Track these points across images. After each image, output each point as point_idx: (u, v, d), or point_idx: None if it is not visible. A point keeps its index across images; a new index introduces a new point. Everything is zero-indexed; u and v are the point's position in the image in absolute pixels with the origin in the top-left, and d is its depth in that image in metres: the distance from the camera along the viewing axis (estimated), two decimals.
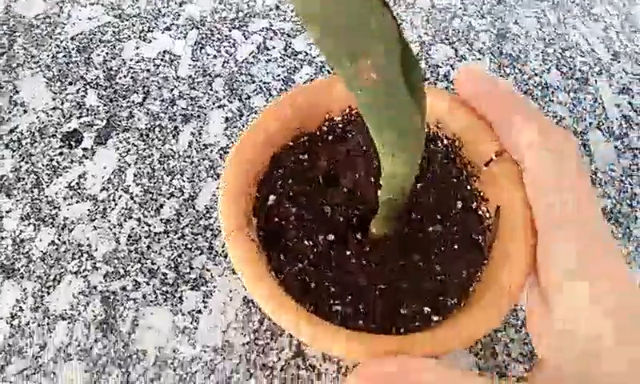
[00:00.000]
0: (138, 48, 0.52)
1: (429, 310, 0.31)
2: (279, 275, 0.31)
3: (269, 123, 0.34)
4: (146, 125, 0.47)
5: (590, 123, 0.50)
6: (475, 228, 0.34)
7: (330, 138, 0.36)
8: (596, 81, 0.53)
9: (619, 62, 0.55)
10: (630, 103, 0.52)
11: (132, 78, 0.50)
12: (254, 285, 0.29)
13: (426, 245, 0.34)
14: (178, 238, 0.42)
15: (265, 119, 0.35)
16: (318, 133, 0.36)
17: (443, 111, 0.35)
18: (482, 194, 0.34)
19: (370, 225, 0.34)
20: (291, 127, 0.35)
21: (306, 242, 0.33)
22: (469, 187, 0.35)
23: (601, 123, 0.50)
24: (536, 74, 0.52)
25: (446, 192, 0.35)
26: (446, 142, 0.36)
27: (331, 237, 0.33)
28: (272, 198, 0.34)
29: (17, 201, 0.44)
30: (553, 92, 0.51)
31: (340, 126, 0.36)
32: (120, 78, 0.50)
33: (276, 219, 0.33)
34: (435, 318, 0.31)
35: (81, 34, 0.53)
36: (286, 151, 0.35)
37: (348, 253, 0.33)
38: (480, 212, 0.34)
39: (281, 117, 0.35)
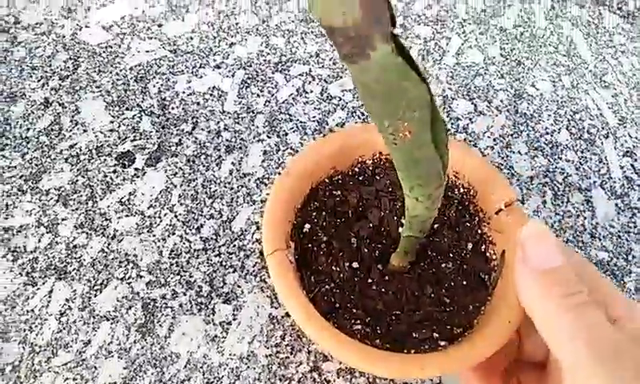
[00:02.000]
0: (189, 82, 0.54)
1: (437, 335, 0.33)
2: (309, 294, 0.33)
3: (309, 160, 0.37)
4: (193, 152, 0.50)
5: (595, 182, 0.52)
6: (482, 268, 0.36)
7: (361, 178, 0.39)
8: (602, 143, 0.55)
9: (625, 127, 0.57)
10: (632, 165, 0.54)
11: (183, 109, 0.53)
12: (287, 298, 0.31)
13: (439, 279, 0.36)
14: (215, 256, 0.45)
15: (306, 156, 0.37)
16: (350, 172, 0.39)
17: (461, 163, 0.37)
18: (490, 238, 0.37)
19: (391, 257, 0.36)
20: (328, 166, 0.38)
21: (334, 268, 0.35)
22: (479, 231, 0.37)
23: (604, 182, 0.52)
24: (547, 133, 0.54)
25: (459, 234, 0.37)
26: (462, 190, 0.38)
27: (356, 265, 0.36)
28: (307, 226, 0.36)
29: (72, 210, 0.46)
30: (562, 150, 0.53)
31: (370, 168, 0.39)
32: (172, 108, 0.53)
33: (309, 245, 0.36)
34: (442, 343, 0.33)
35: (139, 65, 0.56)
36: (322, 186, 0.38)
37: (370, 280, 0.36)
38: (488, 254, 0.37)
39: (320, 156, 0.37)
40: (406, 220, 0.32)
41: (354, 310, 0.34)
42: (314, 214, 0.37)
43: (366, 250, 0.36)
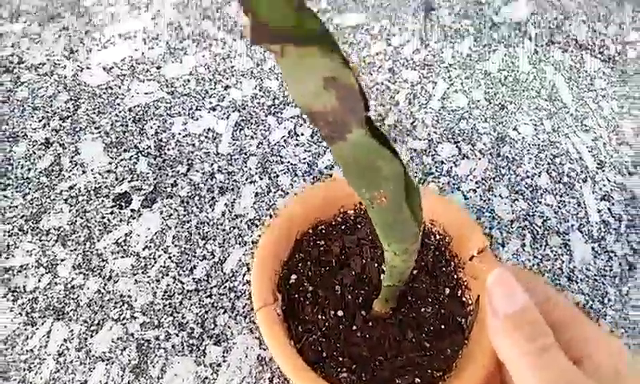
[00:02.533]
0: (185, 124, 0.56)
1: (419, 380, 0.35)
2: (297, 344, 0.35)
3: (294, 213, 0.39)
4: (188, 193, 0.51)
5: (573, 225, 0.54)
6: (459, 312, 0.38)
7: (344, 227, 0.40)
8: (581, 186, 0.57)
9: (604, 170, 0.58)
10: (609, 209, 0.55)
11: (179, 150, 0.54)
12: (276, 351, 0.33)
13: (419, 324, 0.38)
14: (207, 297, 0.46)
15: (291, 209, 0.39)
16: (333, 222, 0.40)
17: (436, 211, 0.39)
18: (466, 283, 0.39)
19: (374, 304, 0.38)
20: (311, 217, 0.40)
21: (319, 316, 0.37)
22: (455, 277, 0.39)
23: (582, 226, 0.54)
24: (528, 177, 0.56)
25: (436, 279, 0.39)
26: (438, 237, 0.40)
27: (340, 313, 0.37)
28: (293, 277, 0.38)
29: (71, 251, 0.48)
30: (542, 194, 0.55)
31: (352, 217, 0.41)
32: (168, 149, 0.54)
33: (296, 295, 0.37)
34: None
35: (137, 106, 0.57)
36: (306, 237, 0.39)
37: (354, 328, 0.37)
38: (464, 299, 0.38)
39: (304, 208, 0.39)
40: (385, 271, 0.34)
41: (340, 358, 0.36)
42: (300, 264, 0.38)
43: (349, 298, 0.38)
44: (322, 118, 0.23)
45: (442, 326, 0.38)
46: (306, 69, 0.20)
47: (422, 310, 0.39)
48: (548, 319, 0.28)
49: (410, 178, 0.26)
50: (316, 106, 0.22)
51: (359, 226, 0.41)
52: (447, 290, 0.39)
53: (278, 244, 0.38)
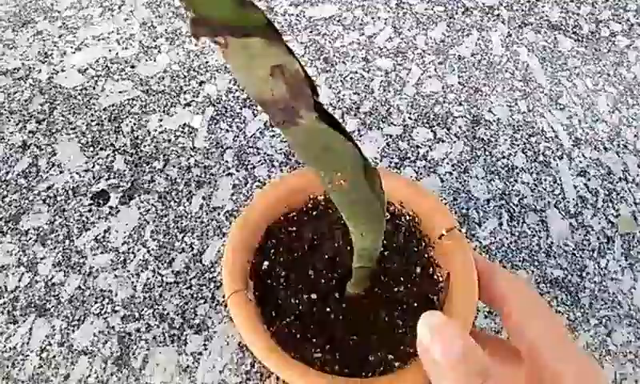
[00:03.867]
0: (161, 120, 0.57)
1: (392, 357, 0.36)
2: (271, 328, 0.36)
3: (265, 202, 0.40)
4: (165, 188, 0.53)
5: (549, 202, 0.55)
6: (431, 290, 0.39)
7: (314, 213, 0.42)
8: (557, 164, 0.58)
9: (579, 147, 0.60)
10: (585, 185, 0.57)
11: (155, 146, 0.55)
12: (248, 335, 0.34)
13: (392, 303, 0.39)
14: (186, 288, 0.47)
15: (261, 198, 0.40)
16: (304, 209, 0.42)
17: (406, 194, 0.41)
18: (436, 261, 0.40)
19: (347, 286, 0.39)
20: (282, 205, 0.41)
21: (292, 300, 0.38)
22: (426, 256, 0.40)
23: (558, 202, 0.55)
24: (504, 157, 0.58)
25: (408, 259, 0.40)
26: (408, 218, 0.41)
27: (314, 296, 0.39)
28: (265, 264, 0.39)
29: (50, 250, 0.49)
30: (517, 173, 0.57)
31: (322, 204, 0.42)
32: (144, 146, 0.55)
33: (268, 281, 0.38)
34: (397, 364, 0.36)
35: (112, 105, 0.58)
36: (277, 225, 0.41)
37: (327, 309, 0.38)
38: (435, 277, 0.40)
39: (274, 197, 0.40)
40: (355, 253, 0.35)
41: (314, 340, 0.37)
42: (272, 251, 0.40)
43: (322, 281, 0.39)
44: (273, 106, 0.24)
45: (415, 304, 0.39)
46: (251, 59, 0.21)
47: (395, 289, 0.40)
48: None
49: (368, 160, 0.27)
50: (265, 94, 0.23)
51: (330, 211, 0.42)
52: (418, 269, 0.40)
53: (249, 233, 0.39)
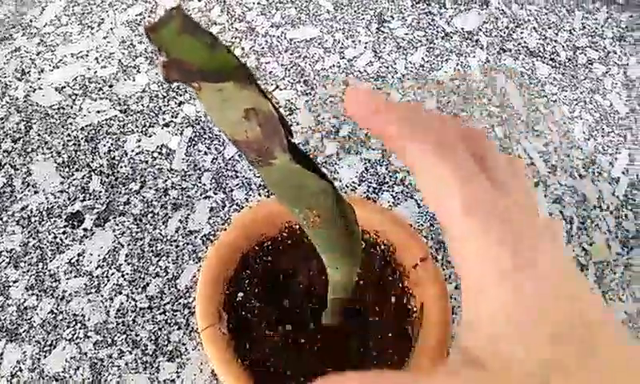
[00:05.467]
0: (139, 141, 0.57)
1: None
2: (244, 361, 0.36)
3: (238, 231, 0.40)
4: (141, 210, 0.53)
5: None
6: (405, 320, 0.40)
7: (290, 242, 0.42)
8: (533, 191, 0.59)
9: (555, 174, 0.61)
10: (560, 212, 0.58)
11: (132, 167, 0.55)
12: (221, 371, 0.34)
13: (366, 333, 0.39)
14: (160, 314, 0.47)
15: (235, 227, 0.40)
16: (279, 238, 0.42)
17: (381, 223, 0.41)
18: (410, 291, 0.40)
19: (322, 317, 0.39)
20: (257, 233, 0.41)
21: (267, 332, 0.38)
22: (400, 285, 0.41)
23: None
24: None
25: (383, 288, 0.41)
26: (383, 247, 0.42)
27: (289, 327, 0.39)
28: (240, 295, 0.39)
29: (23, 272, 0.49)
30: None
31: (298, 231, 0.42)
32: (121, 167, 0.55)
33: (243, 313, 0.39)
34: None
35: (90, 125, 0.58)
36: (252, 254, 0.41)
37: (302, 341, 0.39)
38: (409, 306, 0.40)
39: (248, 225, 0.41)
40: (329, 286, 0.35)
41: (288, 372, 0.37)
42: (247, 281, 0.40)
43: (297, 311, 0.39)
44: (247, 146, 0.24)
45: (389, 334, 0.39)
46: (224, 102, 0.22)
47: (370, 319, 0.40)
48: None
49: (341, 195, 0.28)
50: (239, 135, 0.23)
51: (305, 240, 0.42)
52: (393, 299, 0.41)
53: (223, 263, 0.39)
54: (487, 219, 0.23)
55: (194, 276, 0.49)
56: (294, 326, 0.39)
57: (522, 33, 0.73)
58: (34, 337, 0.46)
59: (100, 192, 0.54)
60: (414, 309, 0.40)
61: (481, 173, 0.24)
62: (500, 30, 0.73)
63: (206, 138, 0.58)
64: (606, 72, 0.71)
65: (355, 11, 0.71)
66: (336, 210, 0.28)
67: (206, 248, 0.51)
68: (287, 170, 0.24)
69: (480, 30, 0.72)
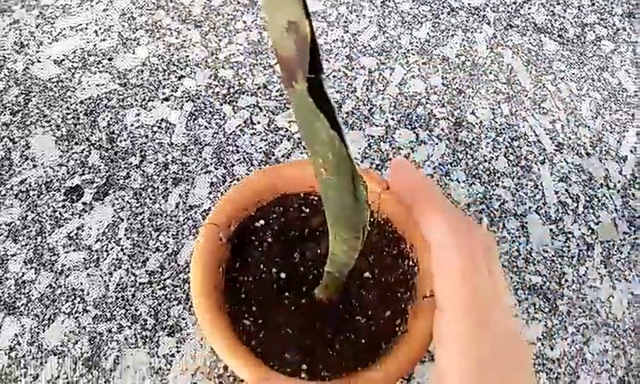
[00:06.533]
0: (138, 115, 0.57)
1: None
2: (226, 275, 0.36)
3: (292, 170, 0.40)
4: (140, 185, 0.52)
5: (530, 207, 0.55)
6: (388, 338, 0.38)
7: (308, 210, 0.41)
8: (539, 169, 0.58)
9: (562, 152, 0.60)
10: (567, 190, 0.57)
11: (131, 142, 0.55)
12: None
13: (346, 329, 0.38)
14: (160, 289, 0.47)
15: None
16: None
17: (418, 242, 0.39)
18: (407, 317, 0.38)
19: (316, 289, 0.39)
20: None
21: (261, 266, 0.38)
22: (402, 306, 0.38)
23: (539, 208, 0.55)
24: (485, 160, 0.58)
25: (385, 300, 0.39)
26: (410, 263, 0.40)
27: (283, 275, 0.38)
28: (261, 222, 0.39)
29: (22, 246, 0.48)
30: (499, 177, 0.57)
31: (317, 199, 0.41)
32: (121, 141, 0.55)
33: (252, 238, 0.38)
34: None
35: (89, 98, 0.58)
36: (293, 196, 0.40)
37: (286, 294, 0.38)
38: (397, 329, 0.38)
39: (302, 171, 0.40)
40: (328, 256, 0.35)
41: (280, 337, 0.36)
42: (274, 216, 0.39)
43: (300, 269, 0.39)
44: (281, 60, 0.24)
45: (367, 342, 0.38)
46: (277, 6, 0.22)
47: (357, 318, 0.39)
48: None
49: (354, 163, 0.27)
50: (278, 45, 0.23)
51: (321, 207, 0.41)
52: (388, 313, 0.39)
53: (262, 189, 0.39)
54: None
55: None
56: (287, 277, 0.38)
57: (529, 8, 0.72)
58: (32, 310, 0.45)
59: (99, 166, 0.53)
60: (401, 332, 0.38)
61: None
62: (507, 6, 0.72)
63: (206, 113, 0.57)
64: (615, 49, 0.70)
65: None
66: (345, 172, 0.27)
67: None
68: (303, 102, 0.24)
69: (487, 5, 0.71)
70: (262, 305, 0.37)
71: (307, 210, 0.41)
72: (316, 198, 0.41)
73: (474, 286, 0.29)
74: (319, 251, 0.40)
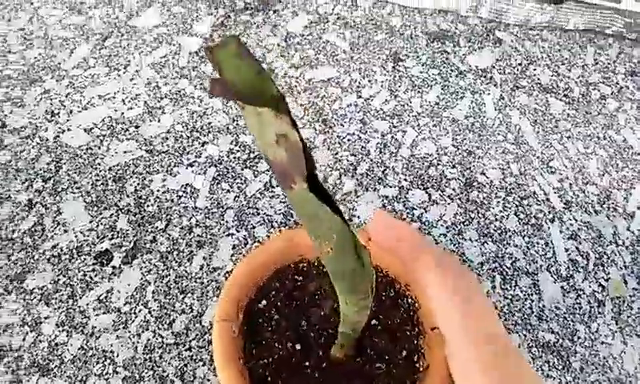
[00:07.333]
0: (164, 180, 0.59)
1: None
2: (247, 364, 0.38)
3: (279, 244, 0.42)
4: (167, 248, 0.55)
5: (541, 265, 0.57)
6: (410, 377, 0.40)
7: (324, 269, 0.43)
8: (549, 227, 0.60)
9: (570, 210, 0.62)
10: (577, 248, 0.59)
11: (158, 206, 0.57)
12: (221, 364, 0.36)
13: (368, 378, 0.40)
14: (186, 350, 0.49)
15: (277, 240, 0.42)
16: (315, 263, 0.43)
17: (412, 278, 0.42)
18: (422, 351, 0.41)
19: (332, 348, 0.40)
20: (295, 253, 0.42)
21: (276, 344, 0.39)
22: (415, 342, 0.41)
23: (550, 266, 0.57)
24: (497, 219, 0.60)
25: (397, 340, 0.41)
26: (410, 301, 0.42)
27: (298, 346, 0.40)
28: (263, 302, 0.41)
29: (54, 309, 0.51)
30: (510, 236, 0.59)
31: (306, 266, 0.43)
32: (148, 206, 0.57)
33: (260, 320, 0.40)
34: None
35: (117, 165, 0.61)
36: (287, 270, 0.42)
37: (306, 363, 0.40)
38: (417, 365, 0.40)
39: (289, 242, 0.42)
40: (341, 317, 0.37)
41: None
42: (273, 293, 0.41)
43: (312, 335, 0.41)
44: (274, 167, 0.26)
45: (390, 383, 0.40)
46: (262, 123, 0.24)
47: (376, 365, 0.41)
48: None
49: (355, 234, 0.29)
50: (270, 155, 0.26)
51: None
52: (404, 353, 0.41)
53: (256, 270, 0.41)
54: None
55: None
56: (303, 347, 0.40)
57: (534, 69, 0.75)
58: (65, 372, 0.47)
59: (127, 231, 0.56)
60: (420, 368, 0.40)
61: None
62: (513, 67, 0.75)
63: (228, 177, 0.60)
64: (619, 107, 0.72)
65: (371, 51, 0.74)
66: (348, 247, 0.29)
67: None
68: (304, 198, 0.26)
69: (494, 67, 0.74)
70: (288, 381, 0.39)
71: (301, 279, 0.43)
72: (306, 265, 0.44)
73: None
74: (323, 313, 0.42)
